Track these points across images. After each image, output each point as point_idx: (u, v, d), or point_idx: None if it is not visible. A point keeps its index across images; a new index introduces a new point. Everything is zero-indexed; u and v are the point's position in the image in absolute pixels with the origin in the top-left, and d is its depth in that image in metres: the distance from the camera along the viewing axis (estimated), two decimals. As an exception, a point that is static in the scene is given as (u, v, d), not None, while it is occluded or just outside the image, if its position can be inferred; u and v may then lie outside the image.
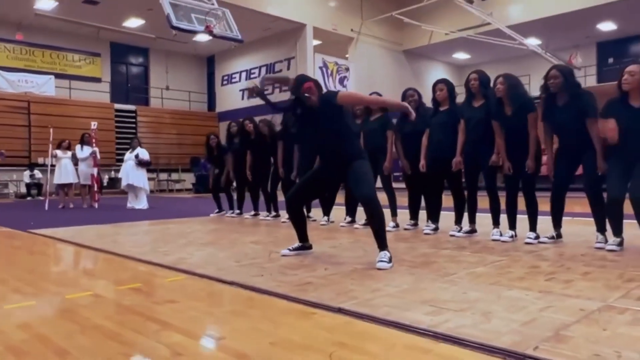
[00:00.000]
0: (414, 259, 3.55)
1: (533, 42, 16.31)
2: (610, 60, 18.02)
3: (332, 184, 4.05)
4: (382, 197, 5.53)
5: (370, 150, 5.20)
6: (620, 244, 3.70)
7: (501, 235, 4.34)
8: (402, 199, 5.53)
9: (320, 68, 17.23)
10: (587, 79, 16.97)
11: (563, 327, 1.95)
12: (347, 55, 18.12)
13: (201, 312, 2.39)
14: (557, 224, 4.22)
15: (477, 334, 1.89)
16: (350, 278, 2.94)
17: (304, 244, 3.86)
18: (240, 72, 19.36)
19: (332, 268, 3.25)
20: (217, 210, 7.66)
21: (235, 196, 7.54)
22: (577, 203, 6.28)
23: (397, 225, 5.28)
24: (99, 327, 2.19)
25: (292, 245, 3.84)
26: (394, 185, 5.58)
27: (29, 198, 14.73)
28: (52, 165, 10.18)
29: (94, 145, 10.01)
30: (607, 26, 16.78)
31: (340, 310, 2.28)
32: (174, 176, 18.52)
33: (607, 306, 2.25)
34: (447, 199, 5.02)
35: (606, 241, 3.79)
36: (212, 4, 10.51)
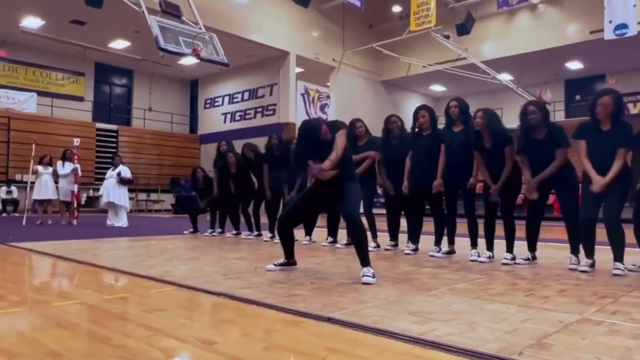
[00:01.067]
0: (396, 275, 3.59)
1: (506, 77, 16.87)
2: (577, 97, 18.73)
3: (323, 205, 4.08)
4: (363, 220, 5.61)
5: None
6: (592, 265, 3.81)
7: (479, 256, 4.42)
8: (382, 224, 5.60)
9: (302, 95, 17.43)
10: (556, 114, 17.56)
11: (544, 336, 2.01)
12: (328, 84, 18.39)
13: (191, 320, 2.38)
14: (532, 248, 4.34)
15: (464, 341, 1.93)
16: (336, 291, 2.96)
17: (290, 261, 3.86)
18: (224, 96, 19.43)
19: (318, 282, 3.27)
20: (191, 229, 7.59)
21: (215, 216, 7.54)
22: (548, 231, 6.46)
23: (378, 246, 5.32)
24: (89, 332, 2.16)
25: (277, 261, 3.84)
26: (374, 211, 5.67)
27: (4, 214, 14.32)
28: (32, 182, 9.98)
29: (75, 161, 9.86)
30: (574, 65, 17.50)
31: (329, 320, 2.29)
32: (153, 196, 18.28)
33: (584, 319, 2.32)
34: (427, 224, 5.11)
35: (579, 263, 3.91)
36: (200, 29, 10.62)
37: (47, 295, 2.98)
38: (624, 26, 13.03)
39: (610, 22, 13.18)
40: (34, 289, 3.26)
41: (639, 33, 12.93)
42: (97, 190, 12.68)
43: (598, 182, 3.66)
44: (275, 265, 3.79)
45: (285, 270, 3.73)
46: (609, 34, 13.29)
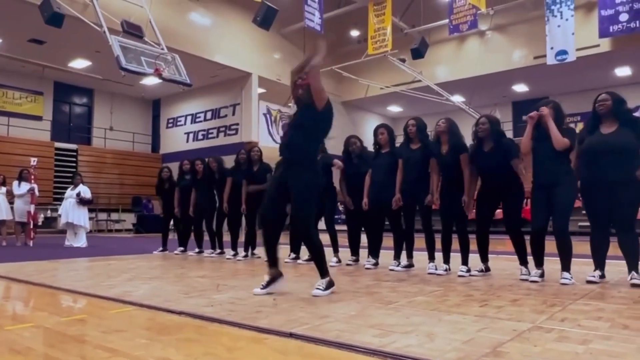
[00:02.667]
0: (357, 289, 3.59)
1: (458, 98, 17.40)
2: (524, 117, 19.43)
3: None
4: (325, 237, 5.61)
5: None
6: (542, 275, 3.92)
7: (436, 269, 4.48)
8: (344, 240, 5.61)
9: (264, 115, 17.44)
10: (505, 133, 18.17)
11: (499, 345, 2.04)
12: (289, 104, 18.43)
13: (151, 340, 2.28)
14: (484, 259, 4.43)
15: (423, 352, 1.94)
16: (298, 307, 2.92)
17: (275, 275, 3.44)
18: (186, 116, 19.16)
19: (280, 299, 3.22)
20: (161, 248, 7.41)
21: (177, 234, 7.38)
22: (499, 243, 6.63)
23: (339, 261, 5.32)
24: (45, 355, 2.04)
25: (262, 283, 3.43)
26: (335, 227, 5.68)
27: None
28: (-15, 202, 9.47)
29: (32, 181, 9.45)
30: (520, 88, 18.25)
31: (291, 335, 2.26)
32: (114, 216, 17.71)
33: (536, 327, 2.37)
34: (386, 239, 5.15)
35: (529, 273, 4.01)
36: (162, 49, 10.49)
37: (0, 319, 2.81)
38: (564, 52, 13.73)
39: (552, 48, 13.88)
40: (-15, 313, 3.07)
41: (577, 59, 13.65)
42: (56, 210, 12.17)
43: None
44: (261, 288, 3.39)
45: (245, 289, 3.60)
46: (550, 60, 13.98)
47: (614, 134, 3.74)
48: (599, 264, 3.91)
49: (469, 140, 4.53)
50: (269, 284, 3.43)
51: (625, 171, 3.63)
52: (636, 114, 15.78)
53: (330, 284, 3.38)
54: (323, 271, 3.42)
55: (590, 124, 3.93)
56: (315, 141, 3.54)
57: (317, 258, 3.45)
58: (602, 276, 3.91)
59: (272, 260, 3.50)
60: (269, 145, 15.95)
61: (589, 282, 3.78)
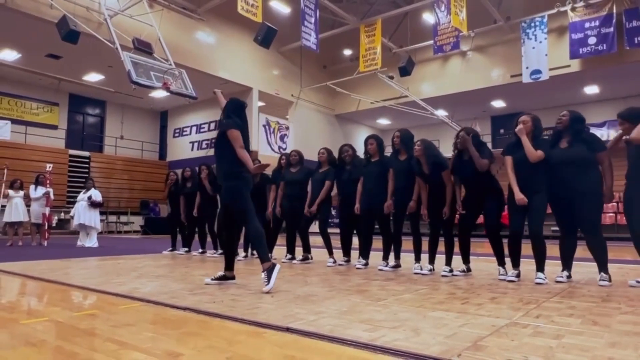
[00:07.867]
0: (349, 288, 3.58)
1: (441, 112, 17.50)
2: (502, 131, 19.60)
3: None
4: (319, 240, 5.60)
5: (313, 198, 5.36)
6: (518, 275, 3.93)
7: (422, 269, 4.48)
8: (337, 242, 5.60)
9: (264, 126, 17.41)
10: (484, 145, 18.26)
11: (479, 339, 2.04)
12: (287, 116, 18.48)
13: (158, 334, 2.26)
14: (465, 260, 4.43)
15: (410, 346, 1.93)
16: (294, 303, 2.91)
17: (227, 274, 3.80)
18: (191, 126, 19.14)
19: (278, 295, 3.21)
20: (170, 248, 7.36)
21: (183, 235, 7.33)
22: (479, 246, 6.65)
23: (335, 261, 5.31)
24: (57, 348, 2.01)
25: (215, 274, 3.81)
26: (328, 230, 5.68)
27: (-26, 237, 13.35)
28: (3, 205, 9.39)
29: (48, 185, 9.38)
30: (498, 103, 18.38)
31: (288, 330, 2.25)
32: (123, 218, 17.59)
33: (513, 322, 2.37)
34: (376, 241, 5.14)
35: (507, 274, 4.02)
36: (170, 65, 10.49)
37: (15, 313, 2.77)
38: (538, 72, 13.88)
39: (527, 68, 14.02)
40: (1, 307, 3.03)
41: (550, 77, 13.80)
42: (68, 212, 12.07)
43: (520, 197, 3.78)
44: (212, 279, 3.75)
45: (225, 286, 3.64)
46: (526, 78, 14.13)
47: (569, 148, 3.78)
48: (566, 266, 3.94)
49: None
50: (220, 279, 3.73)
51: (581, 181, 3.67)
52: (604, 129, 15.92)
53: (270, 271, 3.41)
54: (262, 258, 3.50)
55: (552, 139, 3.96)
56: (229, 156, 3.63)
57: (255, 244, 3.61)
58: (569, 276, 3.93)
59: (229, 263, 3.80)
60: (267, 154, 16.00)
61: (557, 282, 3.81)
